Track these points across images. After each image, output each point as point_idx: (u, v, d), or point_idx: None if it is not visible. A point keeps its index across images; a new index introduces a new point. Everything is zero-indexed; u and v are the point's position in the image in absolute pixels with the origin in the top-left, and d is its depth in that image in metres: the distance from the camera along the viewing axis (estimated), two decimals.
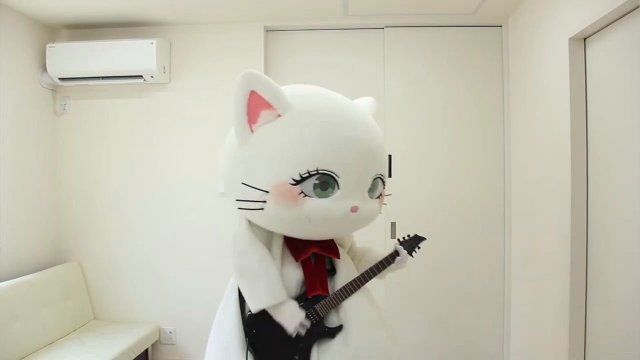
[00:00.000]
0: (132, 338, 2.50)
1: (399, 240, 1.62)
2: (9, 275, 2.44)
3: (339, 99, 1.46)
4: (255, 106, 1.31)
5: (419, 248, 1.61)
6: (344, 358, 1.39)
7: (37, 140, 2.74)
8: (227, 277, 2.89)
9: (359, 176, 1.36)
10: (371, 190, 1.43)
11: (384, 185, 1.51)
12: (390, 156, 2.79)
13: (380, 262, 1.52)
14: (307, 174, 1.28)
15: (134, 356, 2.45)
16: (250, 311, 1.42)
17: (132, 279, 2.87)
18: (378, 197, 1.49)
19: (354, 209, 1.34)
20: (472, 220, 2.78)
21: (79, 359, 2.21)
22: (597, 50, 1.89)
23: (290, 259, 1.47)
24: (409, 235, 1.63)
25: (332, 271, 1.53)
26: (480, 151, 2.78)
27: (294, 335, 1.39)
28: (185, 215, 2.83)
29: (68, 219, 2.90)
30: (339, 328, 1.43)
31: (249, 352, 1.41)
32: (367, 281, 1.50)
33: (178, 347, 2.85)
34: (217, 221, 2.80)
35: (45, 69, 2.70)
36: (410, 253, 1.58)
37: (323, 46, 2.85)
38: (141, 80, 2.73)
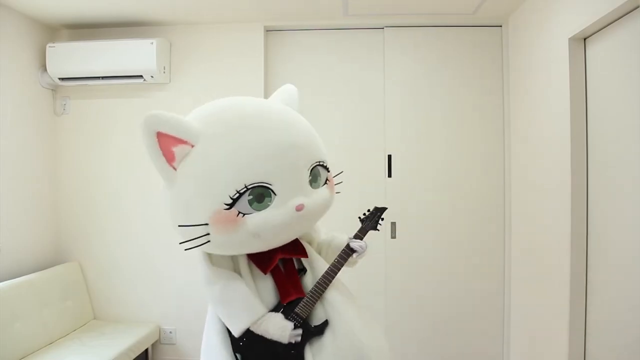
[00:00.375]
0: (132, 338, 2.50)
1: (359, 218, 1.60)
2: (9, 275, 2.44)
3: (246, 107, 1.42)
4: (167, 145, 1.28)
5: (382, 219, 1.60)
6: (339, 350, 1.39)
7: (37, 140, 2.74)
8: None
9: (292, 175, 1.33)
10: (313, 180, 1.40)
11: (327, 169, 1.47)
12: (390, 156, 2.79)
13: (339, 257, 1.50)
14: (236, 195, 1.25)
15: (134, 356, 2.45)
16: (236, 339, 1.41)
17: (132, 279, 2.87)
18: (325, 183, 1.46)
19: (299, 208, 1.31)
20: (472, 220, 2.78)
21: (79, 359, 2.21)
22: (597, 50, 1.89)
23: (259, 271, 1.46)
24: (368, 210, 1.60)
25: (303, 270, 1.52)
26: (480, 151, 2.78)
27: (291, 342, 1.38)
28: None
29: (68, 219, 2.90)
30: (325, 323, 1.43)
31: None
32: (336, 273, 1.49)
33: (178, 347, 2.85)
34: None
35: (45, 69, 2.70)
36: (375, 227, 1.57)
37: (323, 46, 2.85)
38: (141, 80, 2.73)
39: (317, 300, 1.45)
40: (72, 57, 2.65)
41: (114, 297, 2.88)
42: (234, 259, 1.48)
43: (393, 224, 2.77)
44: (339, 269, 1.49)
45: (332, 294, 1.47)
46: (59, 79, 2.71)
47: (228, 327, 1.42)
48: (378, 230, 1.60)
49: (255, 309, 1.38)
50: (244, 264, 1.47)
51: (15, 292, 2.30)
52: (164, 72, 2.76)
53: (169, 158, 1.29)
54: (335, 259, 1.50)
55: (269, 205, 1.29)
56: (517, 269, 2.64)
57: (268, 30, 2.86)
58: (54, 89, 2.86)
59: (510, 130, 2.72)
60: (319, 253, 1.63)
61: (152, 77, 2.70)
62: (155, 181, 2.99)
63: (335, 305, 1.45)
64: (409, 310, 2.79)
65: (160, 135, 1.27)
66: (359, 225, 1.59)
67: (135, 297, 2.87)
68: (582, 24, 1.85)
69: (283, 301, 1.43)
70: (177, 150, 1.29)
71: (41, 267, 2.69)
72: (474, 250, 2.78)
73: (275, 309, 1.43)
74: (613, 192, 1.79)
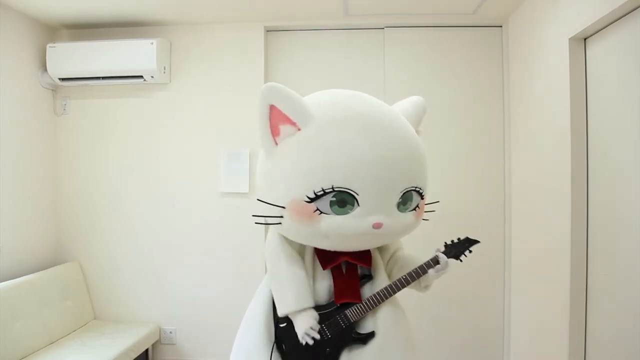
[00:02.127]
0: (132, 338, 2.50)
1: (446, 243, 1.52)
2: (9, 275, 2.44)
3: (363, 108, 1.37)
4: (276, 120, 1.30)
5: (470, 252, 1.51)
6: None
7: (37, 140, 2.74)
8: (227, 277, 2.91)
9: (382, 192, 1.29)
10: (402, 204, 1.35)
11: (422, 196, 1.42)
12: None
13: (414, 270, 1.44)
14: (321, 192, 1.25)
15: (134, 356, 2.45)
16: (279, 323, 1.45)
17: (132, 279, 2.87)
18: (414, 210, 1.41)
19: (376, 226, 1.28)
20: (472, 221, 2.77)
21: (79, 359, 2.21)
22: (597, 50, 1.89)
23: (320, 267, 1.47)
24: (459, 239, 1.52)
25: (369, 277, 1.50)
26: (481, 151, 2.78)
27: (304, 342, 1.39)
28: (185, 215, 2.83)
29: (68, 219, 2.90)
30: (371, 335, 1.41)
31: (276, 352, 1.43)
32: (399, 290, 1.44)
33: (178, 347, 2.85)
34: (217, 221, 2.81)
35: (45, 69, 2.70)
36: (457, 257, 1.50)
37: (323, 46, 2.85)
38: (141, 80, 2.73)
39: (370, 309, 1.43)
40: (72, 57, 2.65)
41: (114, 297, 2.87)
42: (302, 245, 1.50)
43: None
44: (408, 282, 1.43)
45: (387, 309, 1.45)
46: (59, 79, 2.71)
47: (276, 302, 1.44)
48: (461, 261, 1.50)
49: (305, 299, 1.40)
50: (309, 254, 1.49)
51: (16, 292, 2.30)
52: (164, 72, 2.76)
53: (274, 132, 1.32)
54: (407, 273, 1.44)
55: (348, 213, 1.28)
56: (517, 269, 2.64)
57: (268, 30, 2.86)
58: (54, 89, 2.86)
59: (510, 131, 2.72)
60: (387, 265, 1.60)
61: (152, 77, 2.70)
62: (155, 181, 2.98)
63: (387, 321, 1.44)
64: (407, 310, 2.76)
65: (273, 108, 1.29)
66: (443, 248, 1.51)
67: (136, 297, 2.87)
68: (582, 24, 1.85)
69: (336, 301, 1.43)
70: (284, 128, 1.31)
71: (41, 267, 2.69)
72: (474, 251, 2.77)
73: (326, 307, 1.45)
74: (613, 192, 1.79)
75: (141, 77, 2.70)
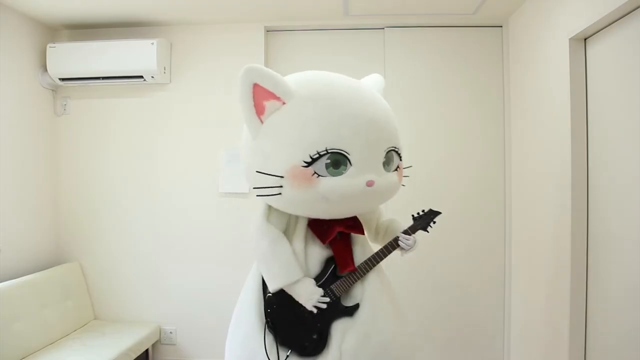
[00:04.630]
0: (133, 338, 2.50)
1: (412, 215, 1.64)
2: (10, 275, 2.44)
3: (342, 80, 1.50)
4: (260, 98, 1.36)
5: (434, 222, 1.64)
6: (366, 336, 1.46)
7: (37, 140, 2.74)
8: (227, 277, 2.91)
9: (370, 151, 1.39)
10: (386, 163, 1.46)
11: (400, 157, 1.54)
12: None
13: (385, 247, 1.56)
14: (317, 155, 1.32)
15: (135, 356, 2.45)
16: (269, 293, 1.49)
17: (133, 279, 2.87)
18: (396, 170, 1.52)
19: (369, 184, 1.37)
20: (472, 221, 2.78)
21: (79, 359, 2.21)
22: (597, 50, 1.89)
23: (315, 240, 1.53)
24: (423, 211, 1.64)
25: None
26: (481, 151, 2.78)
27: (315, 311, 1.45)
28: (185, 215, 2.83)
29: (68, 219, 2.90)
30: (356, 307, 1.50)
31: (269, 333, 1.48)
32: (379, 261, 1.55)
33: (178, 347, 2.85)
34: (217, 221, 2.81)
35: (45, 69, 2.70)
36: (425, 229, 1.62)
37: (323, 46, 2.86)
38: (142, 81, 2.73)
39: (354, 282, 1.51)
40: (72, 58, 2.65)
41: (115, 297, 2.87)
42: (291, 222, 1.55)
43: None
44: (384, 256, 1.55)
45: (372, 278, 1.55)
46: (60, 79, 2.71)
47: (266, 281, 1.49)
48: (428, 232, 1.64)
49: (293, 271, 1.46)
50: (301, 230, 1.54)
51: (16, 293, 2.29)
52: (165, 73, 2.76)
53: (259, 110, 1.37)
54: (381, 248, 1.56)
55: (343, 173, 1.36)
56: (517, 268, 2.64)
57: (268, 31, 2.86)
58: (55, 89, 2.86)
59: (510, 131, 2.72)
60: (377, 234, 1.72)
61: (152, 77, 2.70)
62: (155, 181, 2.98)
63: (372, 291, 1.53)
64: (408, 309, 2.77)
65: (256, 87, 1.34)
66: (411, 222, 1.63)
67: (136, 297, 2.87)
68: (582, 24, 1.85)
69: (341, 271, 1.50)
70: (269, 104, 1.37)
71: (42, 267, 2.69)
72: (475, 250, 2.78)
73: (319, 277, 1.51)
74: (613, 192, 1.79)
75: (141, 77, 2.70)
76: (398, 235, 1.57)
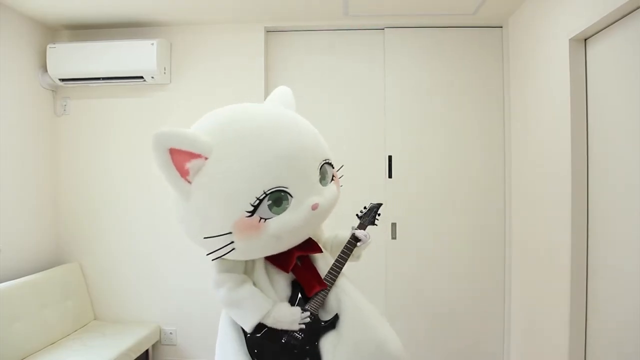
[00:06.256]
0: (133, 338, 2.50)
1: (357, 215, 1.67)
2: (10, 275, 2.44)
3: (254, 115, 1.44)
4: (180, 161, 1.28)
5: (379, 215, 1.68)
6: (358, 342, 1.44)
7: (37, 140, 2.74)
8: None
9: (304, 176, 1.37)
10: (322, 179, 1.45)
11: (332, 166, 1.52)
12: (390, 157, 2.79)
13: (345, 248, 1.57)
14: (257, 201, 1.28)
15: (135, 357, 2.45)
16: (247, 334, 1.46)
17: (133, 279, 2.87)
18: (332, 180, 1.51)
19: (314, 207, 1.36)
20: (472, 221, 2.78)
21: (79, 359, 2.21)
22: (597, 50, 1.89)
23: (275, 270, 1.51)
24: (365, 207, 1.68)
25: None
26: (481, 152, 2.78)
27: (300, 336, 1.43)
28: None
29: (68, 220, 2.90)
30: (336, 317, 1.48)
31: None
32: (343, 265, 1.55)
33: (178, 348, 2.85)
34: None
35: (45, 70, 2.70)
36: (373, 223, 1.65)
37: (323, 47, 2.85)
38: (142, 81, 2.73)
39: (326, 295, 1.50)
40: (72, 58, 2.65)
41: (115, 297, 2.87)
42: (248, 262, 1.53)
43: (393, 225, 2.77)
44: (345, 260, 1.56)
45: (342, 283, 1.54)
46: (60, 79, 2.71)
47: (241, 325, 1.47)
48: (376, 225, 1.67)
49: (262, 304, 1.43)
50: (260, 266, 1.51)
51: (16, 293, 2.30)
52: (165, 73, 2.76)
53: (183, 173, 1.30)
54: (342, 250, 1.57)
55: (287, 208, 1.33)
56: (517, 269, 2.64)
57: (268, 31, 2.86)
58: (54, 90, 2.86)
59: (510, 131, 2.72)
60: (325, 249, 1.68)
61: (152, 77, 2.70)
62: (155, 181, 2.98)
63: (348, 296, 1.51)
64: (409, 310, 2.79)
65: (173, 152, 1.26)
66: (358, 222, 1.66)
67: (136, 297, 2.87)
68: (582, 25, 1.85)
69: (309, 294, 1.48)
70: (191, 164, 1.29)
71: (42, 267, 2.69)
72: (475, 251, 2.78)
73: (291, 301, 1.48)
74: (613, 192, 1.79)
75: (141, 77, 2.70)
76: (353, 232, 1.59)
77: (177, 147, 1.26)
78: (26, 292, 2.36)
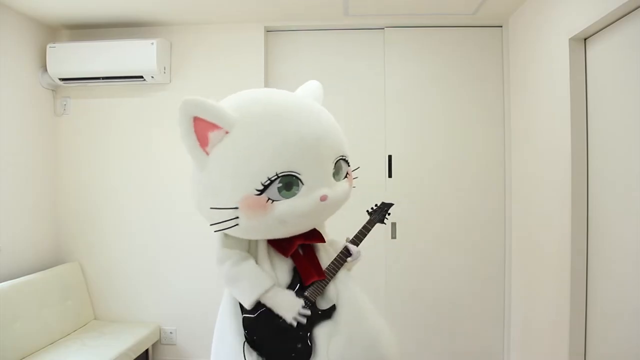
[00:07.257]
0: (133, 338, 2.50)
1: (367, 211, 1.70)
2: (10, 275, 2.44)
3: (280, 98, 1.47)
4: (202, 130, 1.32)
5: (389, 214, 1.71)
6: (353, 334, 1.46)
7: (37, 140, 2.74)
8: None
9: (319, 167, 1.39)
10: (336, 173, 1.46)
11: (348, 164, 1.54)
12: (390, 156, 2.79)
13: (340, 254, 1.58)
14: (268, 181, 1.31)
15: (135, 356, 2.45)
16: (245, 314, 1.48)
17: (133, 279, 2.87)
18: (345, 177, 1.53)
19: (323, 198, 1.37)
20: (472, 221, 2.78)
21: (79, 359, 2.21)
22: (597, 50, 1.89)
23: (278, 254, 1.53)
24: (376, 205, 1.71)
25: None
26: (481, 152, 2.78)
27: (294, 323, 1.44)
28: (186, 215, 2.82)
29: (68, 219, 2.90)
30: (333, 308, 1.50)
31: (253, 352, 1.46)
32: (337, 271, 1.56)
33: (178, 348, 2.85)
34: None
35: (45, 69, 2.70)
36: (382, 221, 1.70)
37: (323, 46, 2.86)
38: (142, 81, 2.73)
39: (325, 285, 1.52)
40: (72, 58, 2.65)
41: (114, 297, 2.87)
42: (252, 242, 1.54)
43: (393, 225, 2.77)
44: (339, 268, 1.58)
45: (343, 276, 1.56)
46: (60, 79, 2.71)
47: (240, 302, 1.48)
48: (385, 223, 1.71)
49: (262, 281, 1.45)
50: (262, 248, 1.53)
51: (16, 293, 2.29)
52: (165, 73, 2.76)
53: (203, 143, 1.34)
54: (334, 259, 1.58)
55: (296, 194, 1.36)
56: (517, 269, 2.64)
57: (268, 31, 2.86)
58: (55, 89, 2.86)
59: (510, 131, 2.72)
60: None
61: (152, 77, 2.70)
62: (155, 181, 2.98)
63: (348, 290, 1.54)
64: (409, 310, 2.79)
65: (197, 120, 1.31)
66: (366, 218, 1.67)
67: (136, 297, 2.87)
68: (582, 24, 1.85)
69: (306, 283, 1.50)
70: (212, 135, 1.33)
71: (41, 267, 2.69)
72: (475, 251, 2.78)
73: (291, 286, 1.50)
74: (613, 192, 1.79)
75: (141, 77, 2.70)
76: (346, 244, 1.61)
77: (202, 116, 1.30)
78: (26, 292, 2.36)
